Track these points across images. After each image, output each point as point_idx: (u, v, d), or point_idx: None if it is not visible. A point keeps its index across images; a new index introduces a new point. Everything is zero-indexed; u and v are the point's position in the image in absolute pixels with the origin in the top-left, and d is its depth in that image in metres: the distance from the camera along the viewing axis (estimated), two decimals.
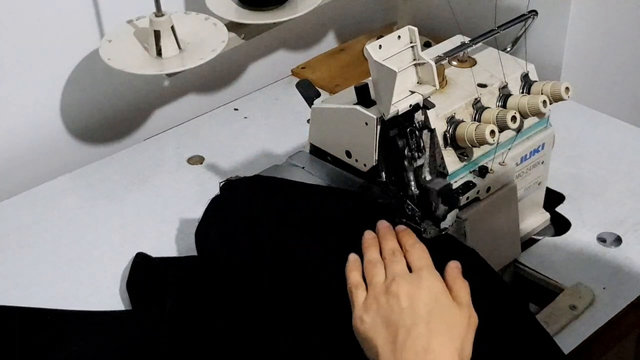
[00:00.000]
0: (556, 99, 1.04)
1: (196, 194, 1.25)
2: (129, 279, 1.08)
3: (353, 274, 0.88)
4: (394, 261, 0.87)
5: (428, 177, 1.00)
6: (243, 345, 0.92)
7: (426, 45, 1.46)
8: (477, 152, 1.02)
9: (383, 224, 0.93)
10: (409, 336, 0.80)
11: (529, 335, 0.94)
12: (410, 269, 0.87)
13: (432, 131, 0.99)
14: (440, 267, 0.96)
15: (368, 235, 0.92)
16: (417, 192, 0.99)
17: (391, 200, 1.00)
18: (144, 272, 1.08)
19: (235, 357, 0.93)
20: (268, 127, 1.40)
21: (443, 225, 0.98)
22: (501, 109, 1.03)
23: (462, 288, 0.86)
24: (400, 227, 0.93)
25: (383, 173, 1.00)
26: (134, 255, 1.11)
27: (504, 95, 1.05)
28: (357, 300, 0.85)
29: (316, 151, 1.07)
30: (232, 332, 0.93)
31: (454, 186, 1.00)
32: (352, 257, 0.89)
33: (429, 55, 0.96)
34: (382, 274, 0.87)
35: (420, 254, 0.88)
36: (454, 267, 0.88)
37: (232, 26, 1.32)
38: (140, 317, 1.02)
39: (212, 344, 0.94)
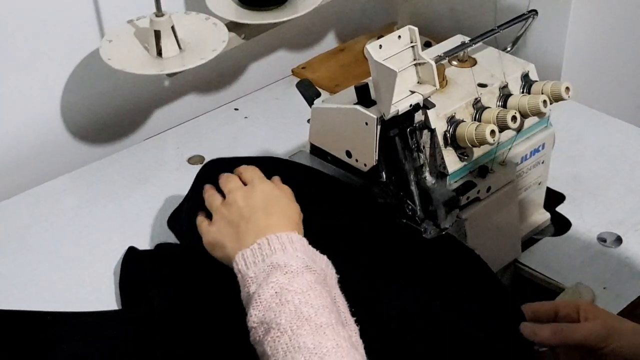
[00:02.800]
0: (556, 98, 1.04)
1: None
2: (120, 277, 1.09)
3: (199, 218, 0.96)
4: (228, 181, 0.95)
5: (428, 177, 1.00)
6: (229, 338, 0.93)
7: (426, 45, 1.46)
8: (477, 152, 1.02)
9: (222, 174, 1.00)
10: (248, 223, 0.89)
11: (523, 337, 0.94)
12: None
13: (433, 131, 0.99)
14: (440, 267, 0.97)
15: (206, 186, 0.98)
16: (418, 192, 0.98)
17: (391, 200, 1.00)
18: (134, 269, 1.09)
19: (225, 350, 0.93)
20: (268, 127, 1.40)
21: (443, 225, 0.98)
22: (501, 108, 1.03)
23: (288, 190, 0.96)
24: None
25: (383, 173, 1.00)
26: (125, 252, 1.11)
27: (504, 95, 1.05)
28: (202, 225, 0.94)
29: (316, 151, 1.07)
30: (218, 324, 0.95)
31: (454, 186, 1.00)
32: (208, 186, 0.98)
33: (429, 55, 0.96)
34: (219, 197, 0.95)
35: (251, 172, 0.96)
36: (276, 177, 0.98)
37: (232, 26, 1.32)
38: (130, 315, 1.02)
39: (201, 338, 0.94)
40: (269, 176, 0.98)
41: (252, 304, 0.81)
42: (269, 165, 1.02)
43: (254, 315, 0.81)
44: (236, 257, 0.86)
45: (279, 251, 0.84)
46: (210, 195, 0.96)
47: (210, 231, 0.92)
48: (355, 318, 0.84)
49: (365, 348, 0.82)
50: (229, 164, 1.02)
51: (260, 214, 0.89)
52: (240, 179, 0.96)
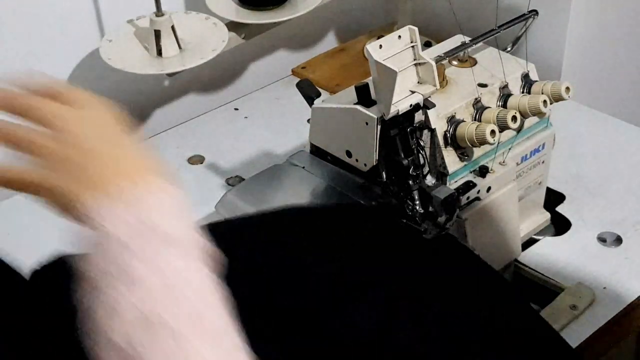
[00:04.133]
0: (556, 98, 1.04)
1: (196, 194, 1.24)
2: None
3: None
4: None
5: (429, 177, 1.00)
6: None
7: (426, 45, 1.46)
8: (477, 152, 1.02)
9: None
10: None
11: (534, 332, 0.94)
12: None
13: (433, 131, 0.99)
14: (439, 267, 0.96)
15: None
16: (418, 192, 0.98)
17: (391, 200, 1.00)
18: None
19: None
20: (268, 127, 1.40)
21: (443, 225, 0.98)
22: (501, 108, 1.03)
23: None
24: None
25: (383, 173, 1.00)
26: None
27: (505, 95, 1.05)
28: None
29: (316, 151, 1.07)
30: None
31: (454, 186, 1.00)
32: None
33: (429, 55, 0.96)
34: None
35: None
36: None
37: (232, 26, 1.32)
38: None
39: None
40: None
41: None
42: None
43: None
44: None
45: None
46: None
47: None
48: None
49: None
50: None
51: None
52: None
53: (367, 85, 0.97)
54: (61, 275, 1.05)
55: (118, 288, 0.55)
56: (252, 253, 0.89)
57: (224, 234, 0.90)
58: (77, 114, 0.68)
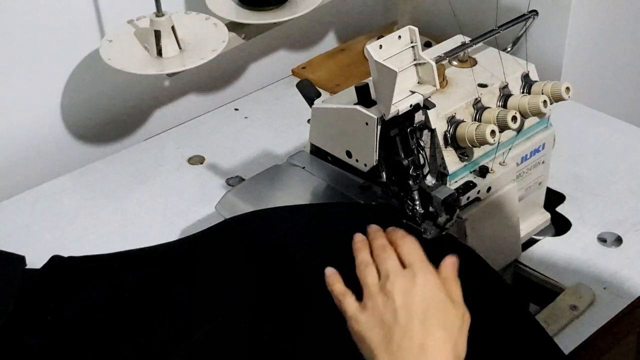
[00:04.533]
0: (556, 99, 1.04)
1: (197, 194, 1.25)
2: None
3: (336, 286, 0.86)
4: (385, 258, 0.85)
5: (429, 178, 1.00)
6: None
7: (426, 45, 1.46)
8: (477, 152, 1.02)
9: (372, 227, 0.91)
10: (404, 335, 0.79)
11: (529, 335, 0.94)
12: (403, 265, 0.85)
13: (433, 131, 0.99)
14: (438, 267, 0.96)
15: (357, 237, 0.90)
16: (418, 192, 0.98)
17: (392, 200, 1.00)
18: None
19: None
20: (268, 127, 1.40)
21: (443, 225, 0.98)
22: (502, 109, 1.03)
23: (455, 287, 0.85)
24: (390, 228, 0.91)
25: (383, 173, 1.00)
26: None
27: (505, 95, 1.05)
28: (348, 306, 0.84)
29: (317, 151, 1.07)
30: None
31: (454, 186, 1.00)
32: (330, 271, 0.88)
33: (429, 55, 0.96)
34: (375, 274, 0.85)
35: (410, 247, 0.86)
36: (449, 264, 0.86)
37: (232, 26, 1.32)
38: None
39: None
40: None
41: None
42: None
43: None
44: None
45: None
46: (365, 265, 0.86)
47: (359, 321, 0.82)
48: None
49: None
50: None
51: (417, 326, 0.80)
52: (396, 250, 0.86)
53: (367, 85, 0.97)
54: (57, 276, 1.05)
55: None
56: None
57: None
58: (404, 277, 0.82)
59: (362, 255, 0.87)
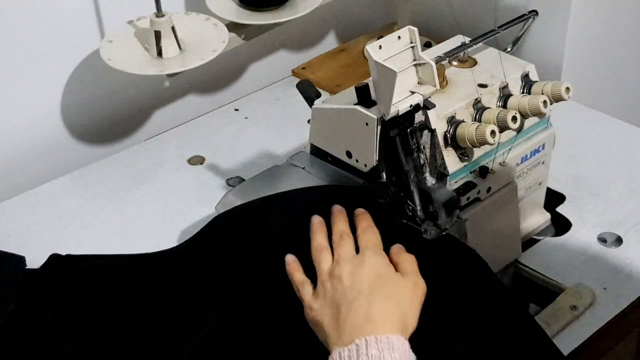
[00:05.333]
0: (557, 99, 1.04)
1: (197, 195, 1.25)
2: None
3: (296, 275, 0.90)
4: (340, 245, 0.90)
5: (429, 178, 1.00)
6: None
7: (426, 45, 1.46)
8: (477, 153, 1.02)
9: (336, 208, 0.95)
10: (350, 309, 0.83)
11: (528, 336, 0.94)
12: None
13: (433, 131, 0.99)
14: (439, 268, 0.96)
15: (315, 219, 0.94)
16: (418, 192, 0.98)
17: (391, 201, 1.00)
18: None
19: None
20: (268, 128, 1.40)
21: (443, 225, 0.98)
22: (502, 109, 1.03)
23: (406, 260, 0.89)
24: (360, 210, 0.95)
25: (383, 173, 1.00)
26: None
27: (505, 96, 1.05)
28: (305, 295, 0.88)
29: (317, 151, 1.07)
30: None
31: (454, 187, 1.00)
32: (290, 259, 0.92)
33: (429, 56, 0.96)
34: (329, 259, 0.89)
35: (369, 237, 0.91)
36: (397, 245, 0.91)
37: (232, 26, 1.32)
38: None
39: None
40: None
41: None
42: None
43: None
44: (333, 353, 0.81)
45: None
46: (320, 250, 0.90)
47: (312, 308, 0.86)
48: None
49: None
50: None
51: (363, 299, 0.83)
52: (356, 238, 0.91)
53: (367, 85, 0.97)
54: (57, 275, 1.05)
55: None
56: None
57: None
58: (353, 261, 0.87)
59: (317, 239, 0.92)
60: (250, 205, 1.03)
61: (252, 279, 0.96)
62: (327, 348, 0.83)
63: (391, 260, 0.89)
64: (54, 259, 1.09)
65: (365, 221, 0.93)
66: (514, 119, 0.99)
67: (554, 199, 1.21)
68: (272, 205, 1.02)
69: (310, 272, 0.91)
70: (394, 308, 0.83)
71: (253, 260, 0.97)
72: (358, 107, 0.97)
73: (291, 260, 0.92)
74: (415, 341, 0.88)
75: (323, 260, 0.89)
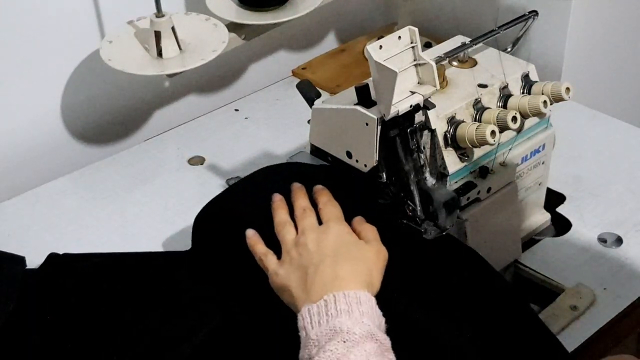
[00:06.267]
0: (557, 99, 1.04)
1: (197, 195, 1.24)
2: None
3: (258, 247, 0.93)
4: (304, 217, 0.93)
5: (429, 178, 1.00)
6: None
7: (427, 45, 1.46)
8: (477, 153, 1.02)
9: (295, 186, 0.97)
10: (317, 271, 0.86)
11: (532, 333, 0.94)
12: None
13: (433, 131, 0.99)
14: (439, 268, 0.96)
15: (275, 198, 0.96)
16: (418, 192, 0.98)
17: (391, 201, 1.00)
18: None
19: None
20: (269, 128, 1.40)
21: (443, 225, 0.98)
22: (502, 109, 1.03)
23: (368, 229, 0.92)
24: (318, 187, 0.97)
25: (383, 173, 1.00)
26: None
27: (505, 96, 1.05)
28: (269, 263, 0.91)
29: (317, 151, 1.07)
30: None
31: (454, 187, 1.00)
32: (250, 233, 0.94)
33: (429, 56, 0.96)
34: (292, 231, 0.92)
35: (331, 210, 0.93)
36: (358, 217, 0.94)
37: (232, 27, 1.32)
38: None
39: None
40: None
41: None
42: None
43: None
44: (302, 311, 0.84)
45: (344, 314, 0.81)
46: (283, 224, 0.93)
47: (278, 274, 0.89)
48: None
49: None
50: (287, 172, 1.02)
51: (329, 261, 0.86)
52: (318, 213, 0.94)
53: (367, 85, 0.97)
54: (56, 275, 1.05)
55: None
56: None
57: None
58: (317, 230, 0.90)
59: (279, 215, 0.94)
60: (221, 197, 1.06)
61: (242, 275, 0.96)
62: (294, 310, 0.86)
63: (354, 230, 0.92)
64: (53, 258, 1.09)
65: (325, 196, 0.96)
66: (514, 119, 0.99)
67: (554, 199, 1.21)
68: (239, 194, 1.05)
69: (276, 250, 0.93)
70: (360, 267, 0.87)
71: (239, 255, 0.97)
72: (358, 107, 0.97)
73: (251, 234, 0.94)
74: (417, 340, 0.88)
75: (287, 232, 0.92)
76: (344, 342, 0.79)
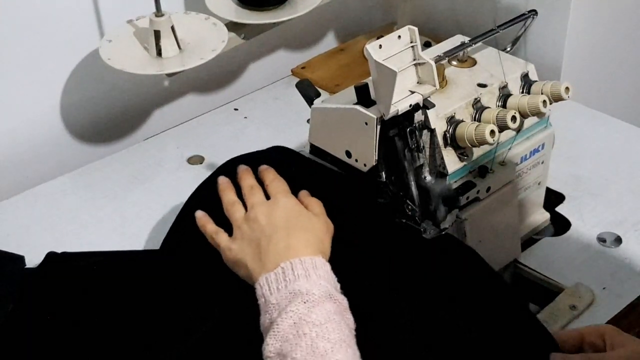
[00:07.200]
0: (556, 98, 1.04)
1: None
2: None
3: (208, 227, 0.95)
4: (252, 194, 0.94)
5: (428, 177, 1.00)
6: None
7: (426, 45, 1.46)
8: (477, 152, 1.02)
9: (241, 168, 0.99)
10: (270, 242, 0.88)
11: (530, 334, 0.94)
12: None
13: (432, 131, 0.99)
14: (438, 267, 0.96)
15: (221, 180, 0.98)
16: (417, 192, 0.98)
17: (391, 200, 1.00)
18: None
19: None
20: (268, 127, 1.40)
21: (443, 225, 0.98)
22: (501, 108, 1.03)
23: (315, 203, 0.94)
24: (263, 167, 0.99)
25: (383, 173, 1.00)
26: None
27: (504, 95, 1.05)
28: (221, 240, 0.93)
29: (316, 151, 1.07)
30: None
31: (454, 186, 1.00)
32: (200, 214, 0.96)
33: (429, 55, 0.96)
34: (241, 209, 0.94)
35: (277, 185, 0.95)
36: (303, 191, 0.96)
37: (232, 26, 1.32)
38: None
39: None
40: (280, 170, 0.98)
41: (270, 333, 0.81)
42: (274, 158, 1.03)
43: (271, 345, 0.80)
44: (260, 280, 0.85)
45: (302, 278, 0.83)
46: (231, 204, 0.95)
47: (231, 249, 0.91)
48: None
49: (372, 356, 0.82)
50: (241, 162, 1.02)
51: (281, 232, 0.89)
52: (265, 189, 0.96)
53: (366, 85, 0.97)
54: (55, 274, 1.05)
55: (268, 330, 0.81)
56: None
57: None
58: (267, 204, 0.93)
59: (227, 196, 0.96)
60: (194, 194, 1.08)
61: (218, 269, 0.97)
62: (250, 282, 0.87)
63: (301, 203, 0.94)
64: (51, 257, 1.09)
65: (271, 173, 0.97)
66: (514, 118, 0.99)
67: (553, 198, 1.21)
68: (201, 191, 1.07)
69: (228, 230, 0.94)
70: (312, 235, 0.89)
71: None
72: (357, 107, 0.97)
73: (201, 215, 0.96)
74: (416, 340, 0.88)
75: (236, 210, 0.94)
76: (304, 302, 0.81)
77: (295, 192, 0.96)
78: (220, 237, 0.93)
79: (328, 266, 0.86)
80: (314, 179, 1.02)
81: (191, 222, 1.00)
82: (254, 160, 1.03)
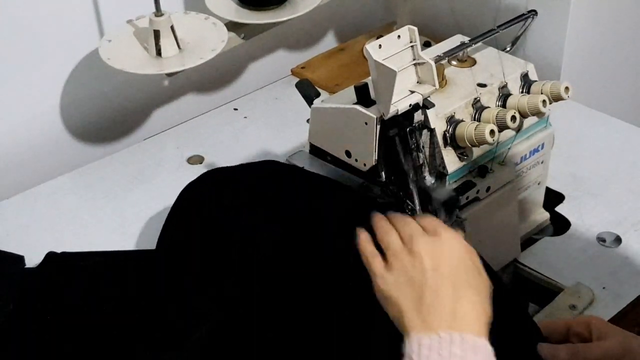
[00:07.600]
0: (556, 98, 1.04)
1: None
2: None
3: (368, 246, 0.84)
4: (407, 223, 0.84)
5: (428, 177, 1.00)
6: None
7: (426, 45, 1.46)
8: (476, 152, 1.02)
9: (377, 215, 0.89)
10: (436, 298, 0.78)
11: (527, 335, 0.94)
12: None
13: (432, 131, 0.99)
14: None
15: (376, 215, 0.88)
16: (417, 191, 0.98)
17: (391, 200, 1.00)
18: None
19: None
20: (268, 127, 1.40)
21: None
22: (501, 108, 1.03)
23: (477, 255, 0.84)
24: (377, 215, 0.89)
25: (383, 173, 1.00)
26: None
27: (504, 95, 1.05)
28: (376, 266, 0.82)
29: (316, 151, 1.07)
30: None
31: (454, 186, 1.01)
32: (363, 234, 0.85)
33: (428, 55, 0.96)
34: (398, 238, 0.83)
35: (431, 219, 0.85)
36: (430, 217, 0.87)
37: (231, 26, 1.32)
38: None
39: None
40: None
41: None
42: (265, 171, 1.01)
43: None
44: (412, 336, 0.77)
45: (455, 359, 0.75)
46: (386, 230, 0.84)
47: (386, 279, 0.81)
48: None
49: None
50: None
51: (449, 290, 0.78)
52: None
53: (366, 85, 0.97)
54: (55, 274, 1.05)
55: None
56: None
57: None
58: (430, 239, 0.81)
59: (383, 225, 0.85)
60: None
61: (248, 276, 0.96)
62: (399, 328, 0.79)
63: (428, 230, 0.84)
64: (51, 257, 1.09)
65: (416, 217, 0.87)
66: (513, 118, 0.99)
67: (553, 198, 1.21)
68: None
69: None
70: (479, 304, 0.79)
71: (247, 256, 0.97)
72: (357, 107, 0.97)
73: (364, 235, 0.85)
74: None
75: (392, 238, 0.83)
76: None
77: (298, 206, 0.92)
78: (376, 261, 0.83)
79: (489, 351, 0.77)
80: (309, 191, 1.00)
81: (185, 222, 1.00)
82: (247, 170, 1.01)
